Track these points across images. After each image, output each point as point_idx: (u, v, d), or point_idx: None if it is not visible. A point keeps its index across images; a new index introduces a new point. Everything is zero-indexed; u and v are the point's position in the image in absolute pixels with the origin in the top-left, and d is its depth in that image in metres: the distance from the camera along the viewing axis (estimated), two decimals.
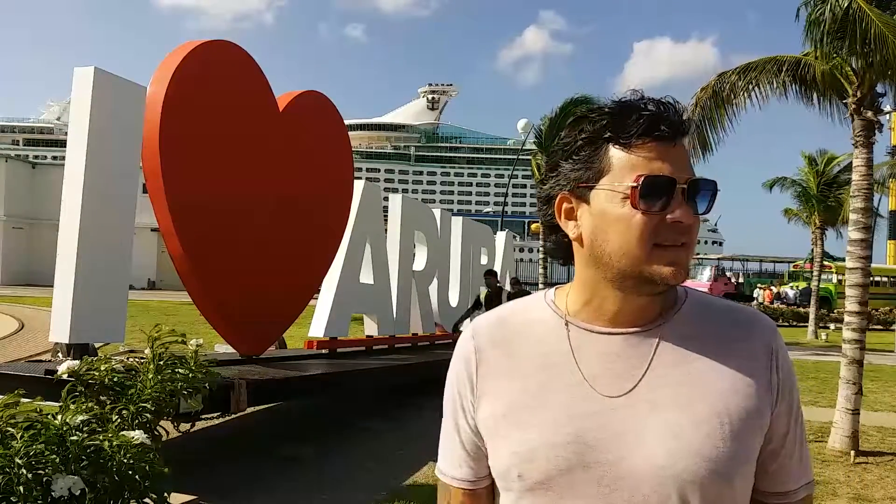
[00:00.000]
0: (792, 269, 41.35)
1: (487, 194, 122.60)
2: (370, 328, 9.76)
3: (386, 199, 10.39)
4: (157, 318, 16.37)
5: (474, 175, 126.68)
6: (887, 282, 35.12)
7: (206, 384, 3.58)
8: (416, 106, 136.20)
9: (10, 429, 2.34)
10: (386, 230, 10.15)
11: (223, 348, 7.67)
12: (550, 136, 19.46)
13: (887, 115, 8.27)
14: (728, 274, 39.11)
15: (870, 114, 7.14)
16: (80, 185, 5.57)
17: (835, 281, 31.38)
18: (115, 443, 2.51)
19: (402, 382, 8.98)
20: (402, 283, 10.18)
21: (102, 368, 3.08)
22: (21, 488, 2.26)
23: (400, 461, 6.17)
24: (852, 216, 7.34)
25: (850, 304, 7.27)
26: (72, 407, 2.62)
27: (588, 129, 0.97)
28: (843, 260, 8.01)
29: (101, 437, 2.51)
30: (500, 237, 15.33)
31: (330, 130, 8.28)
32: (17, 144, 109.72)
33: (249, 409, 6.16)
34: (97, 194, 5.66)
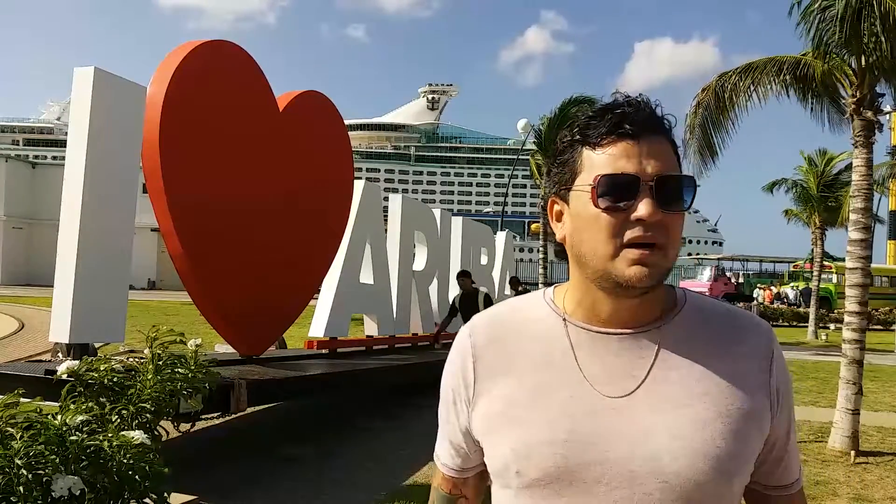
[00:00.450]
0: (792, 269, 41.35)
1: (487, 194, 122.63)
2: (370, 328, 9.76)
3: (386, 199, 10.39)
4: (157, 318, 16.38)
5: (474, 175, 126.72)
6: (887, 282, 35.12)
7: (206, 384, 3.58)
8: (416, 106, 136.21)
9: (9, 429, 2.34)
10: (386, 230, 10.15)
11: (223, 348, 7.67)
12: (550, 137, 19.45)
13: (887, 115, 8.28)
14: (728, 274, 39.11)
15: (870, 114, 7.15)
16: (80, 185, 5.57)
17: (834, 281, 31.38)
18: (115, 443, 2.51)
19: (402, 382, 8.98)
20: (402, 283, 10.18)
21: (102, 368, 3.08)
22: (21, 488, 2.26)
23: (400, 461, 6.17)
24: (852, 216, 7.34)
25: (850, 304, 7.27)
26: (71, 407, 2.62)
27: (567, 133, 1.00)
28: (843, 260, 8.00)
29: (100, 438, 2.51)
30: (500, 237, 15.33)
31: (330, 130, 8.28)
32: (17, 144, 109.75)
33: (249, 409, 6.16)
34: (97, 194, 5.66)
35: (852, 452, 6.71)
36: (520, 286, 13.47)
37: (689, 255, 61.67)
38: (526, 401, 0.99)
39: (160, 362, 3.30)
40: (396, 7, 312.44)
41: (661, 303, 1.02)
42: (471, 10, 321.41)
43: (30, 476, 2.28)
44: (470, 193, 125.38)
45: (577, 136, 0.98)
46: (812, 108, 8.16)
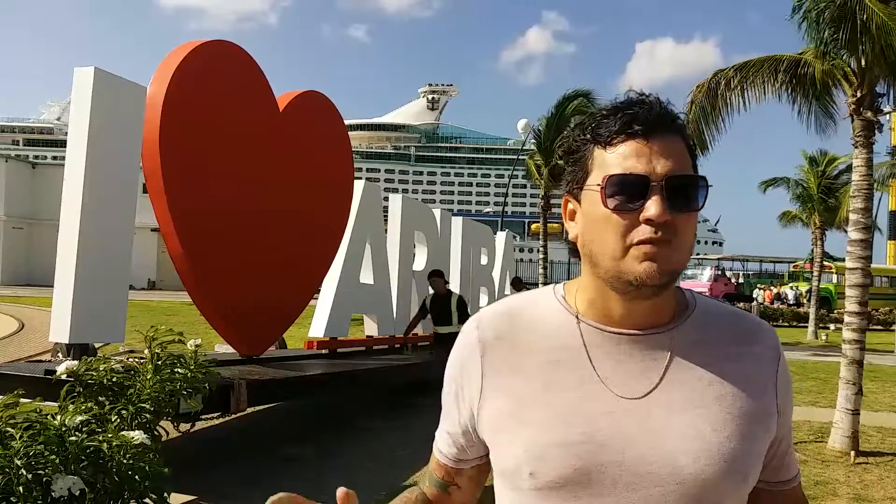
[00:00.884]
0: (792, 269, 41.36)
1: (487, 194, 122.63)
2: (370, 328, 9.76)
3: (386, 199, 10.39)
4: (157, 318, 16.38)
5: (474, 175, 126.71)
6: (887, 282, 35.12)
7: (206, 384, 3.58)
8: (416, 106, 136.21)
9: (9, 429, 2.34)
10: (386, 230, 10.15)
11: (223, 348, 7.67)
12: (549, 136, 19.42)
13: (887, 115, 8.27)
14: (728, 274, 39.09)
15: (870, 114, 7.15)
16: (80, 185, 5.57)
17: (834, 281, 31.38)
18: (114, 443, 2.51)
19: (402, 382, 8.98)
20: (402, 283, 10.18)
21: (101, 369, 3.08)
22: (21, 488, 2.26)
23: (400, 461, 6.17)
24: (852, 216, 7.34)
25: (850, 305, 7.27)
26: (70, 407, 2.62)
27: (578, 132, 1.00)
28: (843, 260, 8.00)
29: (100, 438, 2.51)
30: (500, 237, 15.33)
31: (330, 130, 8.29)
32: (17, 144, 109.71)
33: (249, 409, 6.16)
34: (97, 194, 5.66)
35: (852, 452, 6.71)
36: (522, 287, 13.44)
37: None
38: (537, 400, 0.97)
39: (159, 362, 3.30)
40: (397, 7, 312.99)
41: (673, 305, 1.02)
42: (472, 11, 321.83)
43: (30, 476, 2.28)
44: (470, 193, 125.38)
45: (589, 135, 0.97)
46: (799, 110, 8.17)
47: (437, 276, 8.34)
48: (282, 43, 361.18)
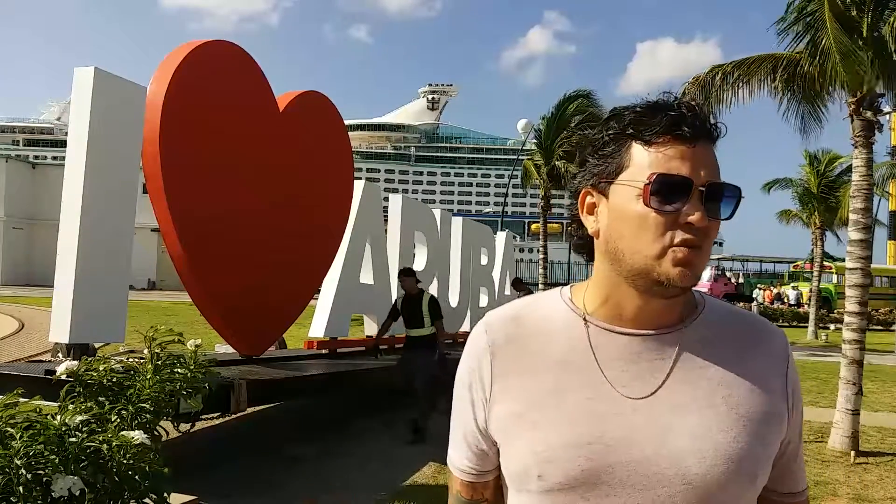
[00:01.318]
0: (792, 269, 41.35)
1: (487, 194, 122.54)
2: (370, 328, 9.75)
3: (386, 199, 10.39)
4: (157, 318, 16.38)
5: (474, 175, 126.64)
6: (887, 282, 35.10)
7: (206, 384, 3.58)
8: (416, 106, 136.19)
9: (9, 429, 2.34)
10: (386, 230, 10.14)
11: (223, 348, 7.67)
12: (549, 136, 19.42)
13: (887, 115, 8.28)
14: (728, 274, 39.09)
15: (869, 114, 7.15)
16: (80, 185, 5.57)
17: (835, 281, 31.38)
18: (114, 443, 2.51)
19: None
20: None
21: (101, 369, 3.08)
22: (21, 488, 2.26)
23: (400, 461, 6.17)
24: (852, 216, 7.34)
25: (850, 305, 7.28)
26: (70, 407, 2.62)
27: (615, 125, 0.98)
28: (843, 260, 8.00)
29: (100, 438, 2.51)
30: (500, 237, 15.32)
31: (330, 130, 8.29)
32: (18, 144, 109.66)
33: (249, 409, 6.16)
34: (97, 194, 5.66)
35: (852, 452, 6.71)
36: (523, 287, 13.42)
37: None
38: (545, 402, 0.97)
39: (159, 362, 3.30)
40: (399, 7, 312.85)
41: (683, 305, 1.02)
42: (473, 11, 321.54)
43: (29, 476, 2.28)
44: (470, 193, 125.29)
45: (630, 130, 0.95)
46: (787, 112, 8.19)
47: (406, 274, 7.58)
48: (283, 43, 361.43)
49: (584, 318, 1.01)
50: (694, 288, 0.99)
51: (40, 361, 6.67)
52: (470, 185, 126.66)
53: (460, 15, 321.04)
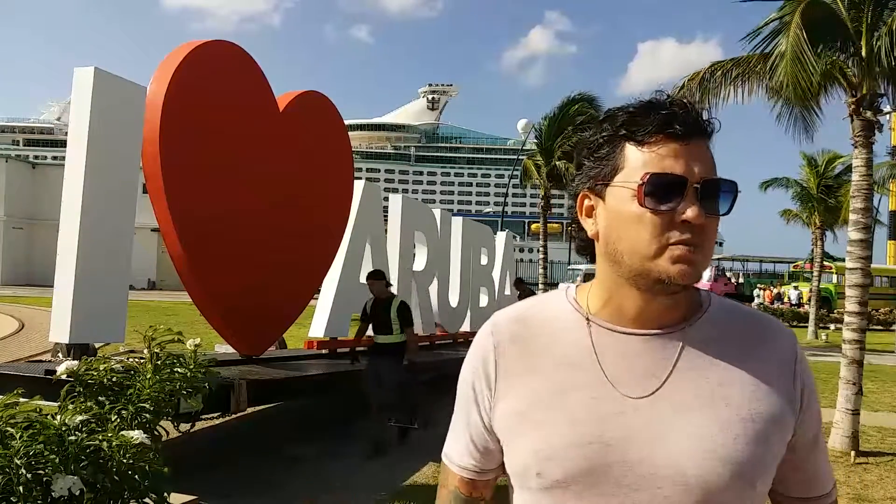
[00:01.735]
0: (792, 269, 41.35)
1: (487, 194, 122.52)
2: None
3: (386, 199, 10.39)
4: (157, 318, 16.38)
5: (474, 175, 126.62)
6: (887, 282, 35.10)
7: (206, 384, 3.57)
8: (416, 106, 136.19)
9: (9, 429, 2.34)
10: (386, 230, 10.14)
11: (223, 348, 7.67)
12: (550, 136, 19.43)
13: (887, 116, 8.29)
14: (728, 274, 39.10)
15: (869, 114, 7.15)
16: (80, 185, 5.57)
17: (835, 281, 31.38)
18: (114, 443, 2.51)
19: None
20: (402, 283, 10.17)
21: (101, 368, 3.08)
22: (21, 488, 2.26)
23: (400, 461, 6.17)
24: (852, 216, 7.34)
25: (850, 305, 7.28)
26: (70, 407, 2.62)
27: (608, 127, 0.98)
28: (843, 260, 8.00)
29: (100, 437, 2.51)
30: (500, 237, 15.32)
31: (330, 130, 8.29)
32: (18, 144, 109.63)
33: (249, 409, 6.16)
34: (97, 194, 5.66)
35: (852, 452, 6.71)
36: (525, 287, 13.40)
37: None
38: (547, 401, 0.98)
39: (159, 362, 3.30)
40: (400, 8, 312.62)
41: (686, 304, 1.01)
42: (475, 11, 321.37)
43: (29, 476, 2.28)
44: (470, 193, 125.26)
45: (622, 132, 0.95)
46: (780, 114, 8.19)
47: (375, 277, 7.06)
48: (284, 44, 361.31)
49: (587, 318, 1.02)
50: (697, 287, 0.99)
51: (40, 361, 6.68)
52: (470, 185, 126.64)
53: (461, 15, 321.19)
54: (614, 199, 0.96)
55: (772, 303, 33.41)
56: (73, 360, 3.16)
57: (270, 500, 5.10)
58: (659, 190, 0.92)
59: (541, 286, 19.83)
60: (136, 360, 3.57)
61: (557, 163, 19.05)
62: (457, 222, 12.55)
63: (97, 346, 6.05)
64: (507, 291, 14.59)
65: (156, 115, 5.92)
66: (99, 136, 5.68)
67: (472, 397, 1.07)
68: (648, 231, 0.92)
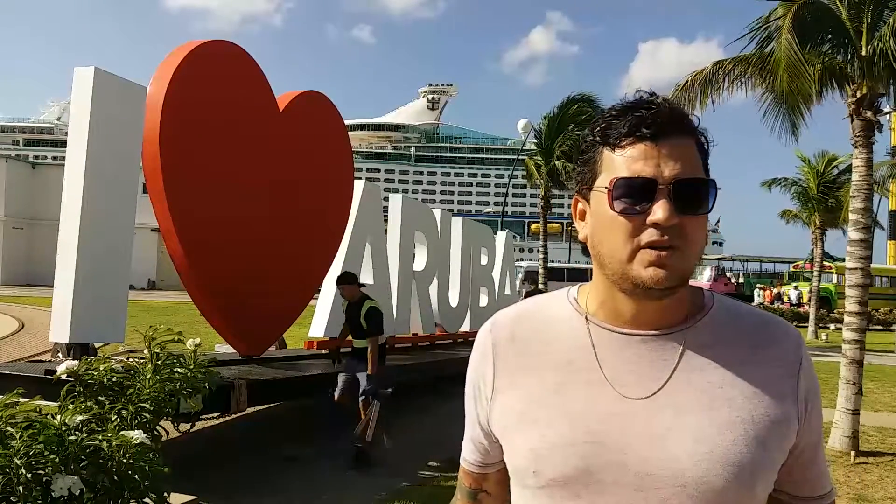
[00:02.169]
0: (792, 269, 41.37)
1: (487, 194, 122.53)
2: None
3: (386, 199, 10.39)
4: (157, 317, 16.38)
5: (474, 175, 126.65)
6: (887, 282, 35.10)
7: (206, 384, 3.58)
8: (416, 106, 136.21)
9: (9, 429, 2.34)
10: (386, 230, 10.14)
11: (223, 348, 7.67)
12: (550, 136, 19.44)
13: (887, 116, 8.28)
14: (728, 274, 39.12)
15: (869, 114, 7.15)
16: (80, 185, 5.57)
17: (834, 281, 31.39)
18: (114, 443, 2.51)
19: (401, 382, 8.97)
20: (402, 283, 10.17)
21: (101, 368, 3.08)
22: (21, 488, 2.27)
23: (400, 461, 6.17)
24: (852, 216, 7.34)
25: (850, 305, 7.28)
26: (70, 407, 2.62)
27: (589, 132, 0.99)
28: (843, 260, 8.00)
29: (100, 437, 2.51)
30: (500, 237, 15.31)
31: (330, 130, 8.29)
32: (18, 144, 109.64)
33: (249, 409, 6.16)
34: (97, 194, 5.66)
35: (852, 452, 6.71)
36: (535, 284, 13.36)
37: None
38: (546, 400, 0.98)
39: (159, 362, 3.30)
40: (402, 8, 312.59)
41: (687, 305, 1.01)
42: (476, 11, 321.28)
43: (29, 476, 2.28)
44: (470, 193, 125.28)
45: (598, 137, 0.97)
46: (766, 113, 8.20)
47: (344, 281, 6.62)
48: (286, 44, 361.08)
49: (587, 318, 1.02)
50: (700, 287, 0.99)
51: (40, 361, 6.68)
52: (470, 185, 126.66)
53: (463, 16, 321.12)
54: (596, 203, 0.97)
55: (772, 303, 33.41)
56: (73, 360, 3.16)
57: (270, 500, 5.10)
58: (627, 193, 0.92)
59: (541, 286, 19.83)
60: (136, 360, 3.57)
61: (557, 163, 19.04)
62: (457, 222, 12.55)
63: (97, 346, 6.05)
64: (508, 291, 14.59)
65: (156, 115, 5.92)
66: (99, 136, 5.68)
67: (472, 396, 1.09)
68: (621, 235, 0.92)
